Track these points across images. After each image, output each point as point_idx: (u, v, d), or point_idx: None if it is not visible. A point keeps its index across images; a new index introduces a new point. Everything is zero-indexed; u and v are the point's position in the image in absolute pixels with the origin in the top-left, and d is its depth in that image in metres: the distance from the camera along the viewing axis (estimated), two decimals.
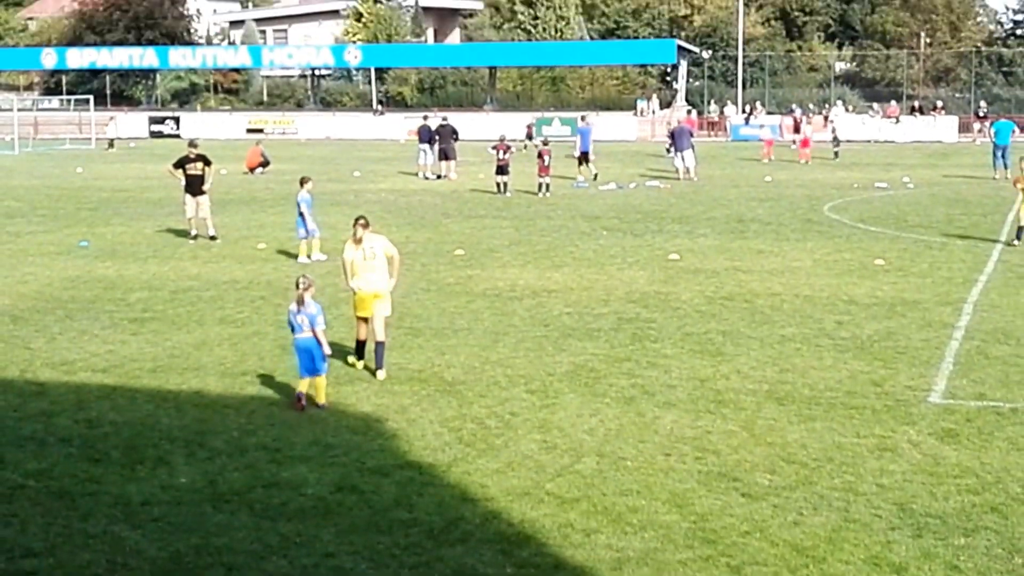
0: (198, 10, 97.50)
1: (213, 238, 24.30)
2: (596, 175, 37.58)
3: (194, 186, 24.59)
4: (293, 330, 12.40)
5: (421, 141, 40.79)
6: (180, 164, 24.87)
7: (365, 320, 13.57)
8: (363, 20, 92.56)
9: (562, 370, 13.69)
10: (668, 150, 48.75)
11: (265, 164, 43.21)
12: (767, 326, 15.99)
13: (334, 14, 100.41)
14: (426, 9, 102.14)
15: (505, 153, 34.81)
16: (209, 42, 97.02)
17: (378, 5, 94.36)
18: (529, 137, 52.63)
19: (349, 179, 40.05)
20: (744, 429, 11.44)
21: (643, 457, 10.64)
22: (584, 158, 37.94)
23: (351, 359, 13.88)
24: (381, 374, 13.34)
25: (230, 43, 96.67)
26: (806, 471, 10.27)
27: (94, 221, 27.96)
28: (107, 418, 11.95)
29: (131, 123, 72.26)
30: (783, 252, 22.58)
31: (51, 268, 21.24)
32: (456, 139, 40.51)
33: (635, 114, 69.56)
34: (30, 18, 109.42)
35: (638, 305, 17.48)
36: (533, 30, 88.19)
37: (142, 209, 30.62)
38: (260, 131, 69.49)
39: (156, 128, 74.30)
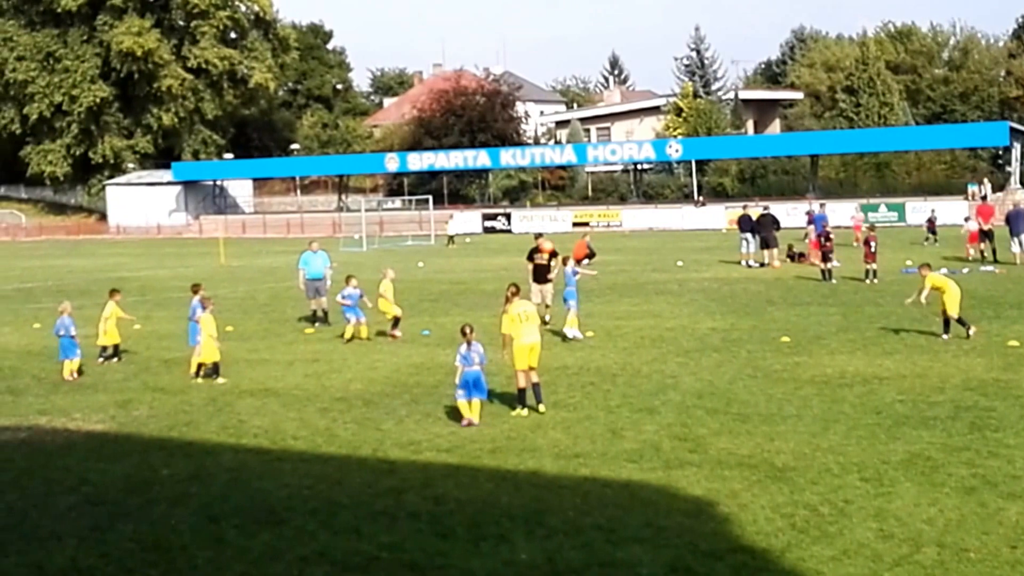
0: (526, 112, 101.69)
1: (544, 322, 25.16)
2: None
3: (540, 275, 25.74)
4: (465, 363, 15.86)
5: (742, 230, 40.84)
6: (530, 256, 26.17)
7: (525, 371, 16.42)
8: (683, 115, 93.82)
9: (897, 458, 13.36)
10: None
11: (591, 256, 44.22)
12: None
13: (655, 110, 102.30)
14: (746, 101, 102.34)
15: (828, 240, 34.43)
16: (537, 142, 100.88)
17: (698, 100, 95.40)
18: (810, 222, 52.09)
19: (672, 268, 40.51)
20: None
21: (987, 549, 10.23)
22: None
23: (516, 411, 16.35)
24: (543, 407, 16.35)
25: (556, 142, 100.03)
26: None
27: (435, 311, 29.54)
28: (452, 495, 12.60)
29: (466, 220, 75.96)
30: None
31: (397, 355, 22.61)
32: (778, 228, 40.31)
33: (966, 198, 66.79)
34: (375, 126, 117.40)
35: (976, 393, 16.81)
36: (856, 117, 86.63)
37: (478, 300, 32.08)
38: (586, 224, 71.41)
39: (489, 224, 77.77)
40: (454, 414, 16.29)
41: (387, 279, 25.62)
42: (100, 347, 23.01)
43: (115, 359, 22.99)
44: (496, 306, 29.51)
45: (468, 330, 16.36)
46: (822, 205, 43.96)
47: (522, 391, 16.58)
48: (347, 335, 24.84)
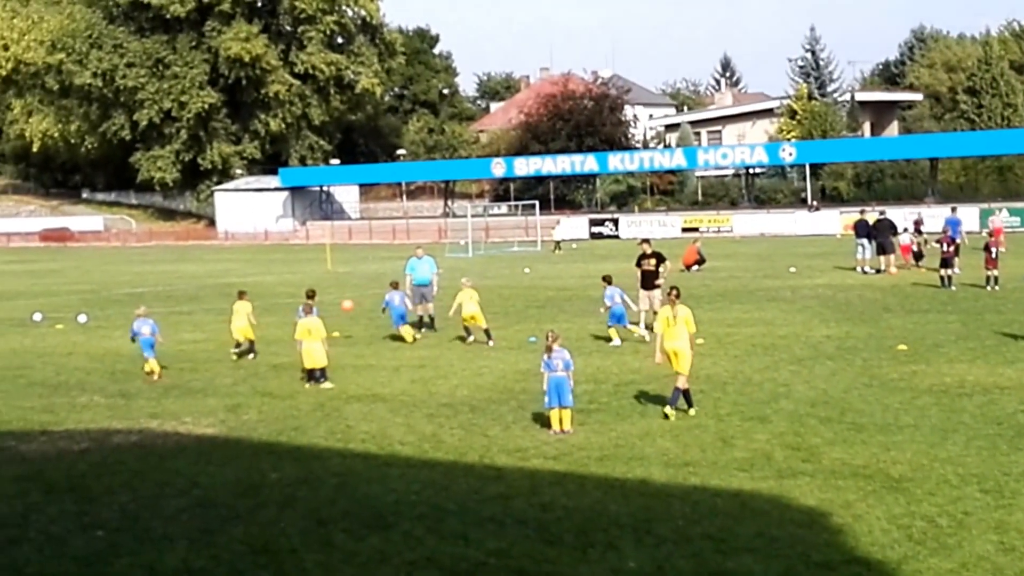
0: (635, 116, 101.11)
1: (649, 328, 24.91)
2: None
3: (647, 281, 25.55)
4: (548, 370, 15.89)
5: (858, 236, 40.07)
6: (638, 262, 25.98)
7: (676, 374, 16.55)
8: (797, 117, 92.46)
9: (1018, 470, 12.90)
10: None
11: (701, 262, 43.90)
12: None
13: (768, 113, 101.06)
14: (862, 103, 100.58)
15: (950, 245, 33.56)
16: (646, 146, 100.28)
17: (813, 102, 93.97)
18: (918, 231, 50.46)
19: (785, 275, 39.86)
20: None
21: None
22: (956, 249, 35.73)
23: (666, 410, 16.42)
24: (669, 410, 16.34)
25: (666, 146, 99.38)
26: None
27: (541, 318, 29.43)
28: (559, 503, 12.48)
29: (573, 225, 75.79)
30: None
31: (504, 362, 22.57)
32: (895, 233, 39.48)
33: None
34: (481, 131, 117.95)
35: None
36: (977, 119, 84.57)
37: (584, 306, 31.86)
38: (695, 230, 70.76)
39: (596, 230, 77.46)
40: None
41: (466, 288, 25.34)
42: (248, 342, 24.26)
43: (251, 355, 24.13)
44: (605, 313, 29.40)
45: (550, 336, 16.44)
46: (953, 209, 42.81)
47: (683, 392, 16.61)
48: (404, 335, 25.74)
